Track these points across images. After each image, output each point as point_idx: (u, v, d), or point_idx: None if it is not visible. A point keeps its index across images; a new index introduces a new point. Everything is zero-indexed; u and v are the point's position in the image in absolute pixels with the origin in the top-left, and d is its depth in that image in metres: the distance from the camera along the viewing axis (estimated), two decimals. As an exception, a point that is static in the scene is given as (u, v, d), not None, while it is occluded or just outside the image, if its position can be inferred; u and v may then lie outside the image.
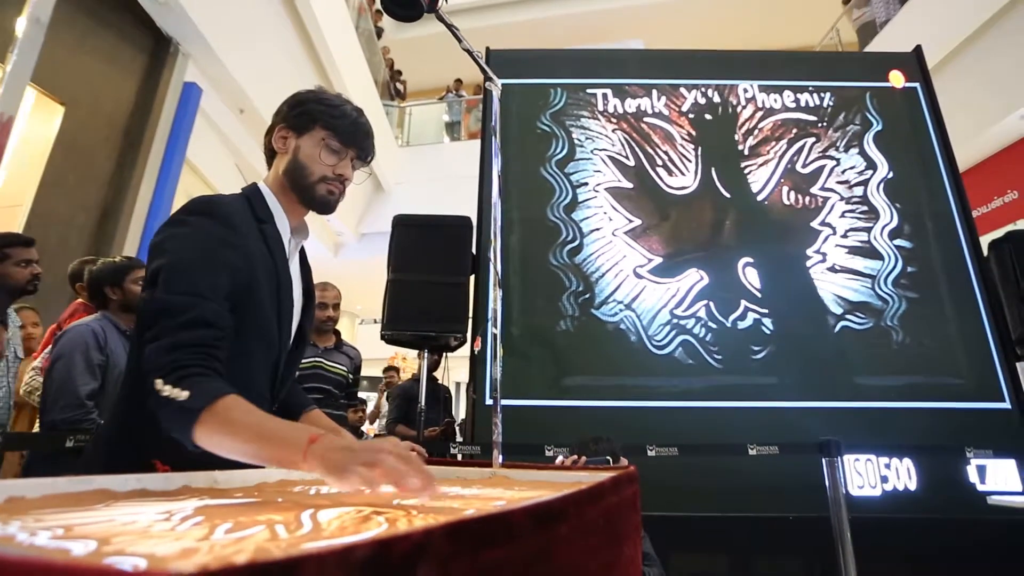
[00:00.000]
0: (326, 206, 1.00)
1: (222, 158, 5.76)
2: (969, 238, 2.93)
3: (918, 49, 3.35)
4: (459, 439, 3.05)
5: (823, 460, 1.98)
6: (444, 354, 3.02)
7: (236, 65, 4.66)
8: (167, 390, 0.70)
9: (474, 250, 2.74)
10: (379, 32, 8.35)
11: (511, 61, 3.28)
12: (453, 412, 3.52)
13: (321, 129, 0.98)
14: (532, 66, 3.27)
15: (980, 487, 2.50)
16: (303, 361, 2.30)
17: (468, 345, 2.68)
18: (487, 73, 1.34)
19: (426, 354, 2.64)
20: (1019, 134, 5.41)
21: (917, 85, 3.26)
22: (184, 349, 0.74)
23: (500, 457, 1.13)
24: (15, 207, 3.26)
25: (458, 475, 1.07)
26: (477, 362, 2.60)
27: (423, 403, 2.53)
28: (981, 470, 2.51)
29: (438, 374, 3.31)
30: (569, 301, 2.68)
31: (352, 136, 1.00)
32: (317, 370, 2.31)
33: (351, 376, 2.47)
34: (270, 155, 1.04)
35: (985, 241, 2.94)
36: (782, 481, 2.33)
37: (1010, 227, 5.46)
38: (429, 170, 8.01)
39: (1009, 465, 2.47)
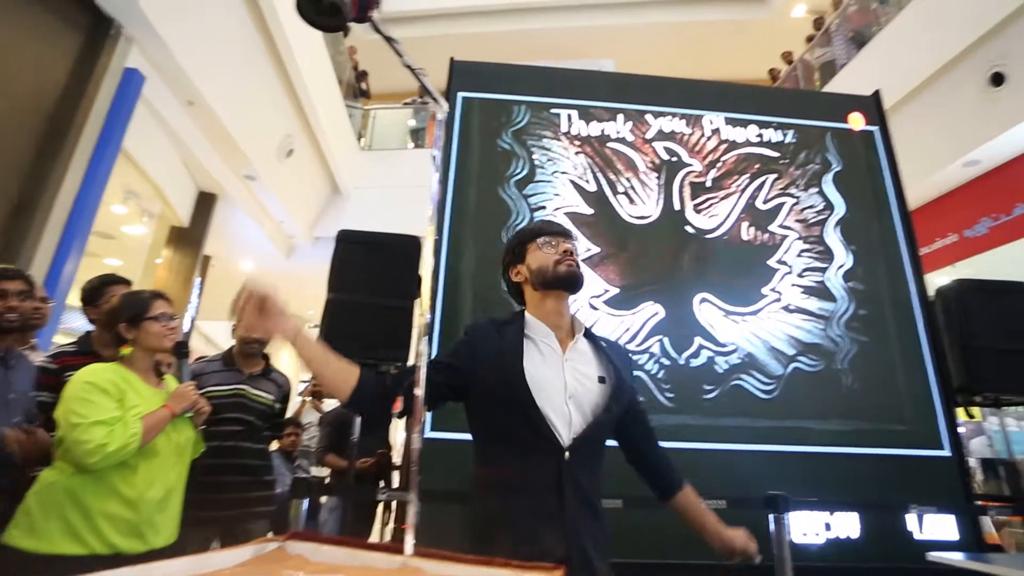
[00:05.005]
0: (572, 277, 1.23)
1: (167, 152, 5.41)
2: (917, 283, 2.95)
3: (877, 94, 3.40)
4: (394, 479, 2.87)
5: (770, 516, 1.91)
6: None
7: (185, 54, 4.38)
8: None
9: (423, 272, 2.58)
10: (346, 30, 8.10)
11: (475, 73, 3.15)
12: (393, 437, 3.34)
13: (532, 243, 1.27)
14: (496, 80, 3.16)
15: (918, 536, 2.51)
16: (222, 389, 2.10)
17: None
18: (431, 93, 1.21)
19: (365, 380, 2.46)
20: (961, 180, 5.65)
21: (875, 129, 3.30)
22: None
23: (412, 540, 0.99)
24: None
25: (363, 563, 0.93)
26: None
27: (357, 432, 2.35)
28: (920, 519, 2.51)
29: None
30: (520, 331, 2.56)
31: (549, 230, 1.29)
32: (238, 399, 2.11)
33: (278, 405, 2.27)
34: (518, 293, 1.31)
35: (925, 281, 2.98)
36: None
37: (948, 268, 5.68)
38: (390, 176, 7.80)
39: (949, 517, 2.48)
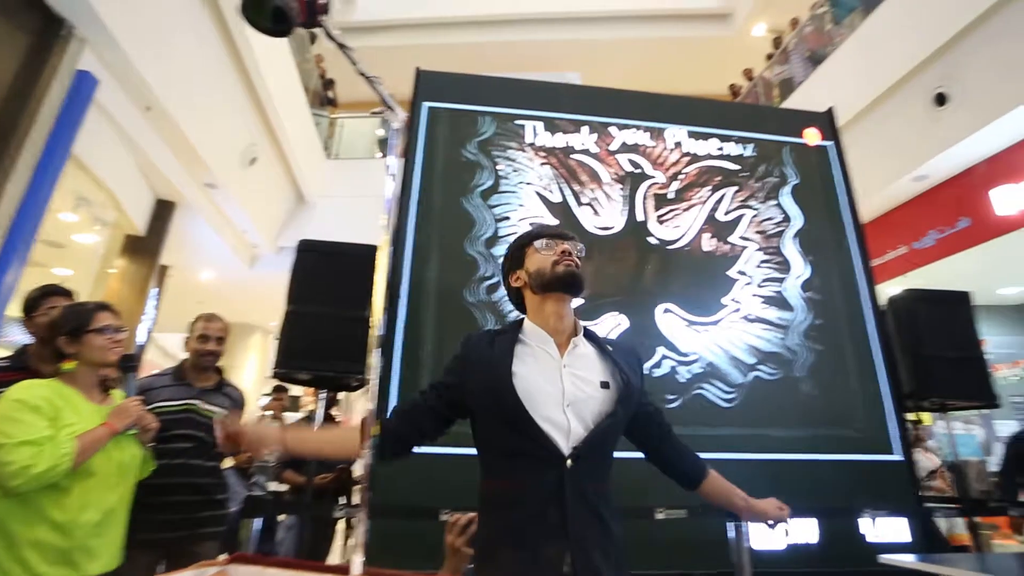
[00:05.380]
0: (570, 276, 1.19)
1: (122, 159, 5.23)
2: (870, 293, 3.05)
3: (831, 111, 3.52)
4: (354, 496, 2.79)
5: (729, 524, 1.92)
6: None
7: (142, 57, 4.25)
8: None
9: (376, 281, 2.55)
10: (312, 37, 8.02)
11: (441, 84, 3.15)
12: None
13: (530, 246, 1.25)
14: (462, 91, 3.16)
15: (872, 539, 2.57)
16: (171, 405, 2.02)
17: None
18: (387, 101, 1.19)
19: (324, 392, 2.40)
20: (911, 194, 5.91)
21: (829, 144, 3.42)
22: None
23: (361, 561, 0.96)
24: None
25: (308, 586, 0.90)
26: (381, 400, 2.40)
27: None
28: (874, 522, 2.58)
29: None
30: (484, 341, 2.54)
31: (547, 232, 1.26)
32: (188, 414, 2.02)
33: (231, 420, 2.18)
34: (519, 300, 1.29)
35: (877, 291, 3.07)
36: (686, 536, 2.27)
37: (899, 279, 5.91)
38: (357, 186, 7.70)
39: (900, 520, 2.56)
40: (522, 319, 1.25)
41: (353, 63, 1.07)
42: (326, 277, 2.36)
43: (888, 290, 3.01)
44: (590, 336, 1.25)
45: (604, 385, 1.15)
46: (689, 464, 1.34)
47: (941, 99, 5.02)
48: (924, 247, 5.78)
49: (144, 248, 5.96)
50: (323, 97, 8.65)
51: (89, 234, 5.51)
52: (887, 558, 2.21)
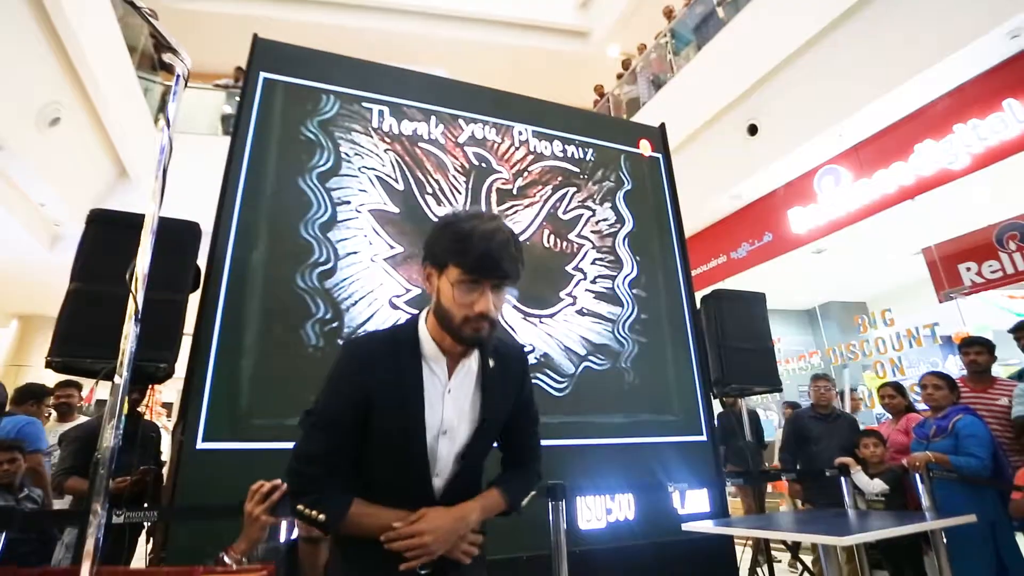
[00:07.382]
0: (479, 344, 1.03)
1: None
2: (688, 292, 3.41)
3: (663, 126, 3.88)
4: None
5: (549, 504, 2.01)
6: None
7: None
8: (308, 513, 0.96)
9: (203, 263, 2.30)
10: (143, -8, 7.04)
11: (281, 55, 2.91)
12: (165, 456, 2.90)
13: (454, 267, 0.99)
14: (305, 65, 2.95)
15: (681, 511, 2.87)
16: None
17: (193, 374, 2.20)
18: (167, 42, 1.05)
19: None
20: (729, 210, 6.76)
21: (660, 156, 3.76)
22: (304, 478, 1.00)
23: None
24: None
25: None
26: (191, 392, 2.15)
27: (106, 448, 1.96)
28: (682, 496, 2.88)
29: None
30: (314, 329, 2.39)
31: (481, 268, 0.97)
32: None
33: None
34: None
35: (699, 296, 3.46)
36: (508, 521, 2.33)
37: (720, 283, 6.73)
38: (192, 163, 6.88)
39: (703, 493, 2.89)
40: (416, 324, 1.09)
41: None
42: (123, 253, 2.04)
43: (710, 293, 3.38)
44: (481, 350, 1.12)
45: (478, 412, 1.09)
46: (502, 481, 1.19)
47: (753, 129, 5.80)
48: (739, 257, 6.64)
49: None
50: (155, 61, 7.62)
51: None
52: (689, 526, 2.48)
